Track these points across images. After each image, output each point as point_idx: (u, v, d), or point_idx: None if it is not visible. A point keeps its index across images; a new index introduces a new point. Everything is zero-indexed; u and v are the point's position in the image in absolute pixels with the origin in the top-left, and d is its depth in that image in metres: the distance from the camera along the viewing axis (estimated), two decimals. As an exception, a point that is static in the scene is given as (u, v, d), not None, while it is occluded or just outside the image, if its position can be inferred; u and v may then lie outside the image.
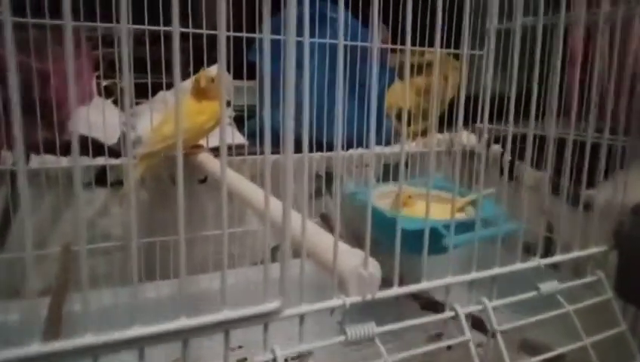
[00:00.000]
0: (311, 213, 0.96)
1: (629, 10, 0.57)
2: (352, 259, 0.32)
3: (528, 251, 0.46)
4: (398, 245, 0.34)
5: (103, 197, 0.80)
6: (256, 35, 0.84)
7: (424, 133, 1.11)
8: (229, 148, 0.89)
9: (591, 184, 0.52)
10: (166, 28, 0.77)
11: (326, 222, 0.93)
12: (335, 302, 0.31)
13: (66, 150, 0.77)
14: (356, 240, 0.91)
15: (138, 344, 0.26)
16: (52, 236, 0.78)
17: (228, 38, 0.80)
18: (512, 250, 0.44)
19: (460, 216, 0.79)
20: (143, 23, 0.76)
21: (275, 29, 0.88)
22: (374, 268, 0.32)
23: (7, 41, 0.24)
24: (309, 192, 0.96)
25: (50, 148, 0.75)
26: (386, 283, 0.36)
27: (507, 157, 0.98)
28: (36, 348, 0.24)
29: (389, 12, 0.88)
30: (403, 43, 0.95)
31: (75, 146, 0.25)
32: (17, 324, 0.71)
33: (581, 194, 0.49)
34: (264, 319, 0.29)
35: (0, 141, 0.72)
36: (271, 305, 0.29)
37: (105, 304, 0.75)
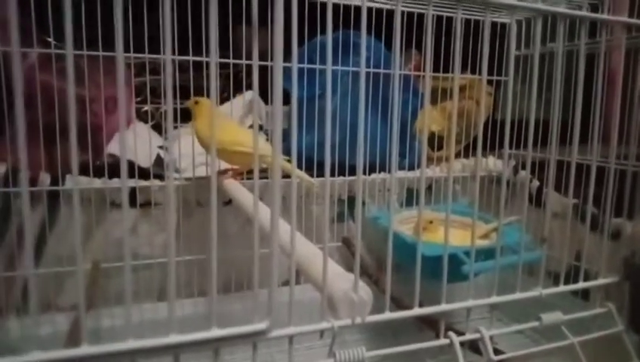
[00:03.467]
0: (333, 236, 0.97)
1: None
2: (343, 282, 0.33)
3: (557, 279, 0.45)
4: (389, 264, 0.35)
5: (132, 217, 0.83)
6: (288, 65, 0.88)
7: (455, 157, 1.10)
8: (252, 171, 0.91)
9: (619, 212, 0.51)
10: (208, 59, 0.82)
11: (348, 245, 0.94)
12: (324, 324, 0.32)
13: (99, 172, 0.82)
14: (379, 263, 0.91)
15: (130, 356, 0.27)
16: (84, 253, 0.82)
17: (263, 66, 0.83)
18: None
19: (482, 243, 0.78)
20: (188, 54, 0.81)
21: (309, 55, 0.92)
22: (365, 292, 0.33)
23: (68, 75, 0.27)
24: (330, 216, 0.97)
25: (83, 170, 0.80)
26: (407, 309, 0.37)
27: (535, 183, 0.96)
28: (85, 349, 0.26)
29: (421, 37, 0.89)
30: (435, 69, 0.96)
31: (124, 170, 0.28)
32: (50, 337, 0.75)
33: (600, 221, 0.48)
34: (252, 338, 0.30)
35: (38, 163, 0.77)
36: (259, 325, 0.30)
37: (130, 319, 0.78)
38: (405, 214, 0.91)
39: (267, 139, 1.08)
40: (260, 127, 1.14)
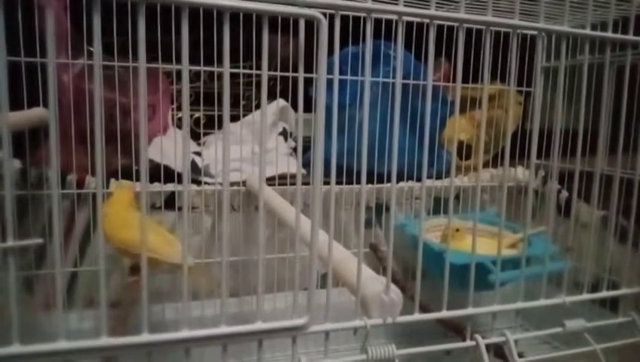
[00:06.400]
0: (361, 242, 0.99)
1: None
2: (375, 284, 0.36)
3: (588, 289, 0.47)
4: (419, 262, 0.37)
5: (171, 219, 0.88)
6: (313, 75, 0.92)
7: (483, 166, 1.11)
8: (284, 177, 0.95)
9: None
10: (245, 71, 0.86)
11: (375, 251, 0.96)
12: (357, 322, 0.35)
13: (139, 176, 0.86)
14: (405, 270, 0.94)
15: (184, 345, 0.31)
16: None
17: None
18: (569, 287, 0.45)
19: (509, 253, 0.79)
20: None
21: (339, 65, 0.94)
22: (395, 294, 0.35)
23: (140, 85, 0.30)
24: (359, 223, 0.99)
25: (125, 174, 0.85)
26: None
27: (564, 193, 0.97)
28: (145, 337, 0.30)
29: (451, 45, 0.90)
30: (465, 78, 0.97)
31: (186, 177, 0.31)
32: (93, 331, 0.80)
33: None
34: (292, 332, 0.33)
35: (84, 167, 0.82)
36: (299, 321, 0.33)
37: (166, 317, 0.83)
38: (432, 222, 0.93)
39: (292, 153, 1.11)
40: (290, 134, 1.18)
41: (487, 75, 0.39)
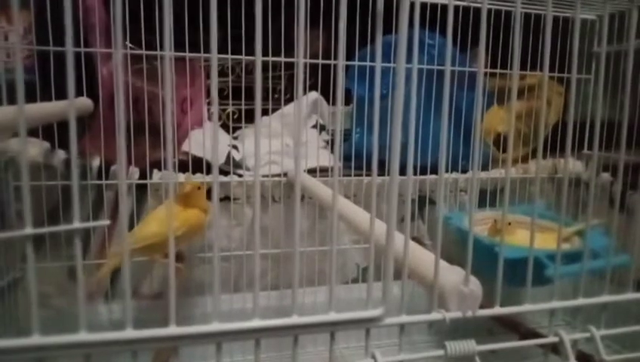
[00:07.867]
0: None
1: None
2: (452, 275, 0.33)
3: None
4: (500, 270, 0.35)
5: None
6: (354, 63, 0.89)
7: (524, 159, 1.07)
8: (324, 169, 0.93)
9: None
10: (274, 58, 0.84)
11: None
12: (435, 315, 0.32)
13: (181, 167, 0.86)
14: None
15: (255, 335, 0.29)
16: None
17: (325, 66, 0.86)
18: (620, 285, 0.42)
19: (565, 247, 0.76)
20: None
21: (370, 55, 0.91)
22: (475, 285, 0.33)
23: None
24: (402, 215, 0.97)
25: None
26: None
27: (618, 186, 0.92)
28: (216, 326, 0.28)
29: (488, 34, 0.86)
30: (503, 66, 0.94)
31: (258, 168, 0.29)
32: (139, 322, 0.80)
33: None
34: (367, 324, 0.31)
35: (128, 158, 0.82)
36: (374, 312, 0.30)
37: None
38: (478, 215, 0.90)
39: (328, 143, 1.08)
40: (323, 127, 1.15)
41: (575, 64, 0.35)
